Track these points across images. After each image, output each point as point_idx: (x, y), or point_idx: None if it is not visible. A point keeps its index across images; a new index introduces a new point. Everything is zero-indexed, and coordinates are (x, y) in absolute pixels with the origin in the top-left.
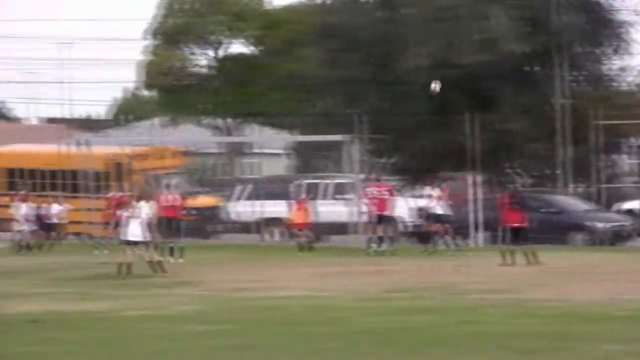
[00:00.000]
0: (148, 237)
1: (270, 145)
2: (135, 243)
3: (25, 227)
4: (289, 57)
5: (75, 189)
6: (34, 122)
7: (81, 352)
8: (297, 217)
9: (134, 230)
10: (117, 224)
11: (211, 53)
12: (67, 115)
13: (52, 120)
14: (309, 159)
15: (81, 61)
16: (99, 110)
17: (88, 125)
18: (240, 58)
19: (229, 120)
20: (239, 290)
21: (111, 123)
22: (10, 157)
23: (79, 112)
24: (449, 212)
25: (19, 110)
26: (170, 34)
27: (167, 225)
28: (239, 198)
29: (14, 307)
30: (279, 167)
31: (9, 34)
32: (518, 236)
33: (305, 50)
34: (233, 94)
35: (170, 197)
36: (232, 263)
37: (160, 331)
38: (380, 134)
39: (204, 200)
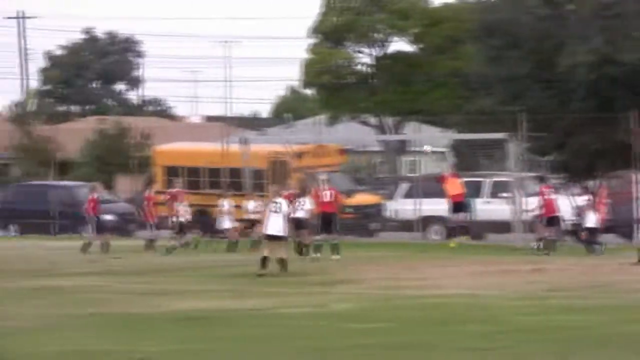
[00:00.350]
0: (286, 233)
1: (430, 143)
2: (275, 238)
3: (227, 224)
4: (450, 55)
5: (235, 187)
6: (195, 120)
7: (239, 349)
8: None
9: (275, 225)
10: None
11: (372, 51)
12: (228, 114)
13: (212, 119)
14: (468, 157)
15: (245, 59)
16: (262, 108)
17: (249, 123)
18: (400, 56)
19: (390, 118)
20: (398, 288)
21: (272, 121)
22: (170, 155)
23: (242, 110)
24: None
25: (180, 108)
26: (331, 32)
27: (325, 222)
28: (400, 196)
29: (168, 304)
30: (439, 165)
31: (173, 32)
32: None
33: (467, 47)
34: (393, 92)
35: (328, 193)
36: (392, 261)
37: (318, 329)
38: (540, 131)
39: (363, 198)
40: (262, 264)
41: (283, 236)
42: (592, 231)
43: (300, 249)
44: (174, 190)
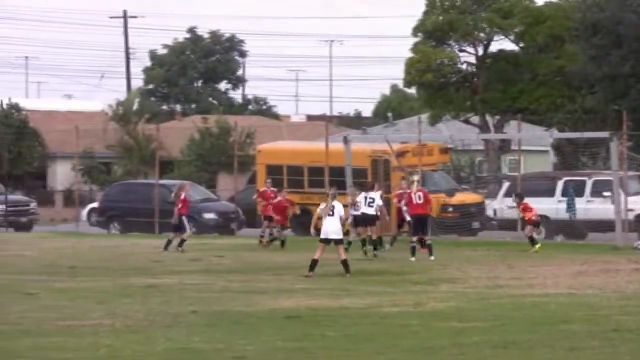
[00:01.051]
0: (342, 235)
1: (532, 142)
2: (331, 241)
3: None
4: (552, 54)
5: (339, 186)
6: (297, 119)
7: (342, 348)
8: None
9: (333, 228)
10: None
11: (475, 50)
12: (330, 113)
13: (314, 118)
14: (570, 156)
15: (347, 58)
16: (364, 107)
17: (351, 122)
18: (503, 55)
19: (492, 117)
20: (498, 287)
21: (374, 120)
22: (272, 154)
23: (344, 109)
24: None
25: (282, 107)
26: (434, 31)
27: (419, 223)
28: (502, 195)
29: (268, 303)
30: (540, 164)
31: (275, 31)
32: None
33: (569, 46)
34: (495, 91)
35: (420, 195)
36: (493, 260)
37: (419, 327)
38: None
39: (465, 197)
40: (311, 266)
41: (340, 239)
42: None
43: (375, 246)
44: (267, 189)
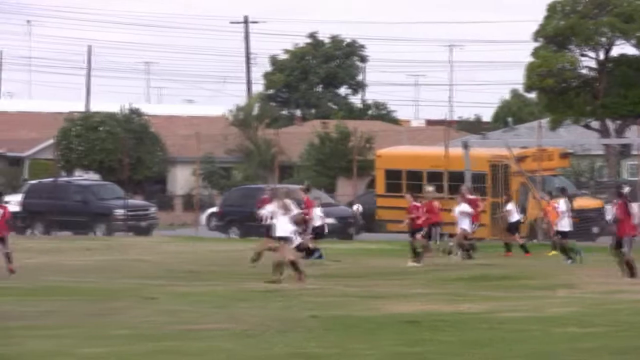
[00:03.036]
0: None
1: None
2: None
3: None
4: None
5: (457, 191)
6: (417, 124)
7: (459, 353)
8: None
9: (282, 226)
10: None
11: (596, 54)
12: (449, 117)
13: (434, 122)
14: None
15: (467, 63)
16: (484, 112)
17: (471, 127)
18: (624, 59)
19: (612, 121)
20: (617, 292)
21: (494, 125)
22: (391, 159)
23: (464, 114)
24: None
25: (402, 112)
26: (555, 36)
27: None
28: None
29: (387, 307)
30: None
31: (396, 36)
32: None
33: None
34: (617, 96)
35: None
36: (612, 265)
37: (537, 333)
38: None
39: (585, 202)
40: (295, 268)
41: (287, 237)
42: None
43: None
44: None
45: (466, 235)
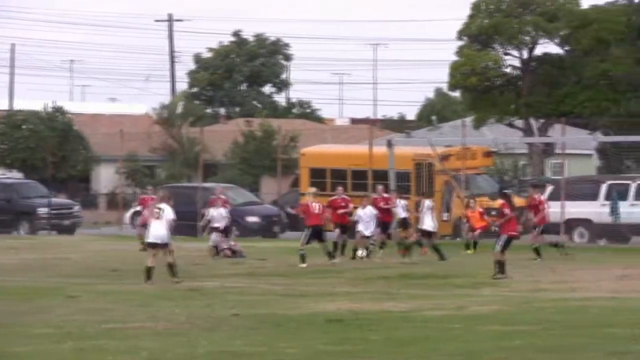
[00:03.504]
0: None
1: (576, 146)
2: (160, 245)
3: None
4: (598, 57)
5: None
6: (341, 122)
7: (384, 352)
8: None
9: (159, 232)
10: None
11: (520, 53)
12: (373, 116)
13: (358, 121)
14: (614, 160)
15: (392, 62)
16: (408, 110)
17: (395, 125)
18: (548, 58)
19: (536, 120)
20: (541, 290)
21: (418, 124)
22: (315, 157)
23: (388, 112)
24: None
25: (326, 111)
26: (479, 35)
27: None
28: (546, 199)
29: (317, 305)
30: (584, 167)
31: (320, 35)
32: None
33: (615, 49)
34: (540, 94)
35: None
36: (534, 264)
37: (462, 331)
38: None
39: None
40: (147, 274)
41: (165, 244)
42: None
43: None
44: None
45: (390, 235)
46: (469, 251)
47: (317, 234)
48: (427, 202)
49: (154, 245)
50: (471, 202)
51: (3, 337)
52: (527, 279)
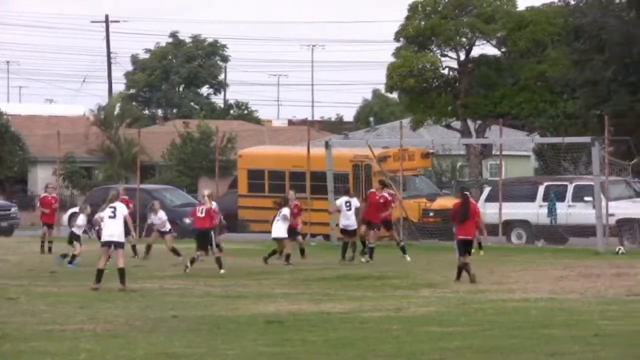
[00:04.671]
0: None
1: (513, 147)
2: (112, 244)
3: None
4: (535, 59)
5: (319, 190)
6: (279, 124)
7: (323, 353)
8: None
9: (113, 231)
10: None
11: (457, 55)
12: (311, 117)
13: (295, 122)
14: (552, 161)
15: (329, 63)
16: (346, 112)
17: (333, 127)
18: (485, 59)
19: (473, 121)
20: (479, 292)
21: (356, 125)
22: (253, 159)
23: (326, 114)
24: None
25: (264, 112)
26: (416, 36)
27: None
28: (483, 200)
29: (255, 307)
30: (522, 169)
31: (259, 36)
32: None
33: (552, 51)
34: (477, 96)
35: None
36: (473, 265)
37: (400, 332)
38: (625, 135)
39: (447, 202)
40: (97, 276)
41: (121, 243)
42: None
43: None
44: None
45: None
46: (481, 252)
47: (202, 237)
48: (338, 201)
49: (109, 244)
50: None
51: None
52: (466, 281)
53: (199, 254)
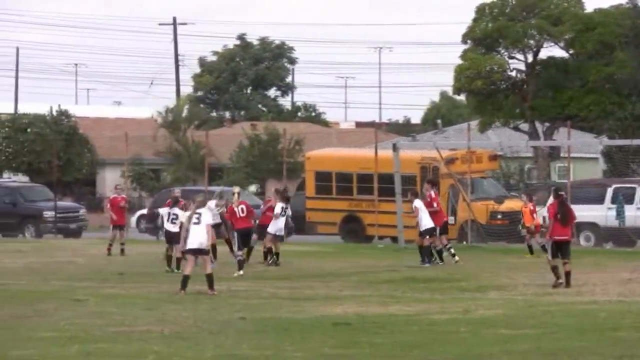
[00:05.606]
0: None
1: (581, 150)
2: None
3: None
4: (602, 61)
5: (388, 192)
6: (347, 126)
7: (391, 355)
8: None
9: (199, 238)
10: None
11: (524, 57)
12: (378, 120)
13: (363, 125)
14: (620, 163)
15: (397, 65)
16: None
17: (400, 129)
18: (553, 62)
19: (541, 124)
20: (547, 294)
21: (423, 127)
22: (320, 161)
23: (393, 116)
24: None
25: (331, 114)
26: (483, 38)
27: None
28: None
29: (323, 309)
30: (590, 171)
31: (325, 38)
32: None
33: (619, 53)
34: (545, 98)
35: (244, 207)
36: (541, 267)
37: (467, 334)
38: None
39: (514, 204)
40: (183, 283)
41: (206, 250)
42: None
43: None
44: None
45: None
46: (527, 255)
47: (245, 236)
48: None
49: (194, 252)
50: (524, 196)
51: (7, 341)
52: (533, 283)
53: (240, 253)
